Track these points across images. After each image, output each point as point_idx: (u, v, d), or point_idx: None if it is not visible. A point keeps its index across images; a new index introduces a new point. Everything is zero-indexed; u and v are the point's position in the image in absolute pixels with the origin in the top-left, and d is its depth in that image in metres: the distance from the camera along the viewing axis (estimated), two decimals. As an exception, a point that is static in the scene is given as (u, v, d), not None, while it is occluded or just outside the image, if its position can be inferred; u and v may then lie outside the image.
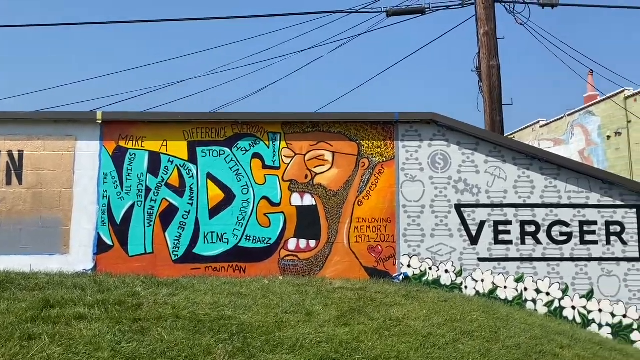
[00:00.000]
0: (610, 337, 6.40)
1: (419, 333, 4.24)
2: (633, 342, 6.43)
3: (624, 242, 6.64)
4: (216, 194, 6.64)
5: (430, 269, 6.58)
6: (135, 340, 3.43)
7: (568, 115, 28.20)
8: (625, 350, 5.45)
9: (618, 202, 6.69)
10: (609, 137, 24.56)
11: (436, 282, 6.54)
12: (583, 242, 6.65)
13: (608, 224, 6.67)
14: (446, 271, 6.57)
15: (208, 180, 6.66)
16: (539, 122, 31.50)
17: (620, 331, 6.47)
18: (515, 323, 5.21)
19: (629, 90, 22.92)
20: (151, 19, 36.24)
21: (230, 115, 6.99)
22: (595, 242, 6.65)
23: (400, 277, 6.56)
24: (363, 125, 6.85)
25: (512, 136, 33.38)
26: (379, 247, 6.65)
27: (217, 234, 6.58)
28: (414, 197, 6.71)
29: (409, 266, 6.60)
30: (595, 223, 6.67)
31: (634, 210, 6.68)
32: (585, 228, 6.67)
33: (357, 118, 6.86)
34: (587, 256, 6.62)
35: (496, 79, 8.13)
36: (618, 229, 6.66)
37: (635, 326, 6.49)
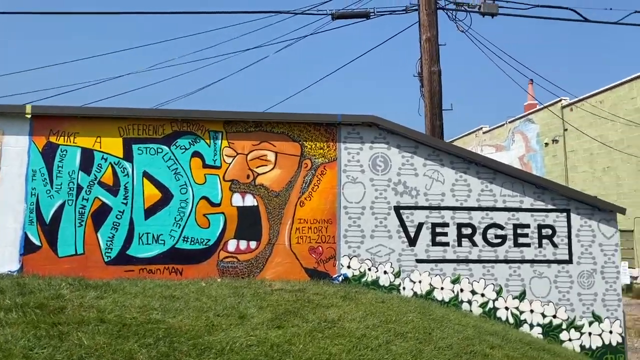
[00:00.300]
0: (541, 336, 6.62)
1: (353, 335, 4.23)
2: (562, 341, 6.69)
3: (554, 245, 6.89)
4: (153, 194, 6.42)
5: (369, 269, 6.61)
6: (51, 346, 3.23)
7: (509, 122, 29.27)
8: (554, 349, 5.64)
9: (550, 206, 6.94)
10: (547, 144, 25.64)
11: (375, 283, 6.57)
12: (516, 244, 6.86)
13: (540, 227, 6.91)
14: (385, 272, 6.61)
15: (144, 179, 6.43)
16: (482, 128, 32.55)
17: (550, 331, 6.71)
18: (450, 324, 5.29)
19: (565, 99, 24.02)
20: (89, 11, 34.89)
21: (170, 112, 6.79)
22: (528, 245, 6.87)
23: (340, 278, 6.55)
24: (306, 126, 6.81)
25: (456, 142, 34.33)
26: (320, 248, 6.62)
27: (153, 234, 6.36)
28: (355, 198, 6.73)
29: (349, 267, 6.60)
30: (528, 226, 6.89)
31: (564, 214, 6.95)
32: (519, 231, 6.88)
33: (300, 119, 6.81)
34: (520, 258, 6.83)
35: (437, 84, 8.29)
36: (549, 232, 6.91)
37: (564, 326, 6.74)
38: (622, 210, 7.14)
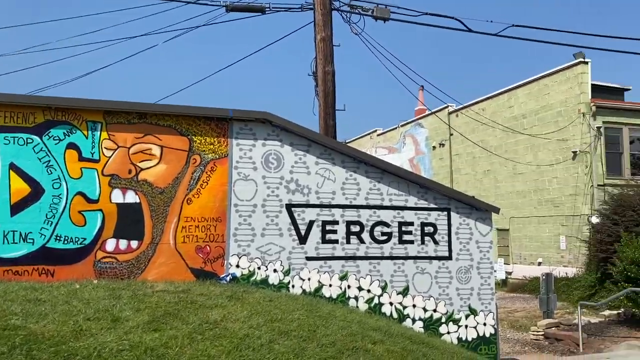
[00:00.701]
0: (422, 330, 6.91)
1: (235, 335, 4.11)
2: (441, 334, 7.03)
3: (436, 242, 7.23)
4: (20, 188, 5.83)
5: (259, 268, 6.51)
6: None
7: (401, 126, 30.63)
8: (432, 342, 5.90)
9: (432, 205, 7.28)
10: (434, 147, 27.15)
11: (264, 281, 6.49)
12: (401, 241, 7.10)
13: (423, 225, 7.22)
14: (275, 270, 6.55)
15: (11, 172, 5.82)
16: (376, 131, 33.75)
17: (431, 325, 7.03)
18: (335, 321, 5.34)
19: (452, 106, 25.55)
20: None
21: (42, 100, 6.21)
22: (411, 242, 7.14)
23: (228, 278, 6.38)
24: (196, 120, 6.56)
25: (352, 143, 35.26)
26: (208, 247, 6.41)
27: (21, 233, 5.78)
28: (246, 196, 6.59)
29: (237, 266, 6.45)
30: (412, 224, 7.17)
31: (445, 212, 7.32)
32: (404, 228, 7.14)
33: (189, 112, 6.54)
34: (404, 255, 7.08)
35: (331, 84, 8.41)
36: (431, 229, 7.24)
37: (443, 320, 7.09)
38: (497, 210, 7.66)
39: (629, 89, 21.62)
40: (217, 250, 6.43)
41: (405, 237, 7.13)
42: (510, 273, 21.04)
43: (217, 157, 6.56)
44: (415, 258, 7.12)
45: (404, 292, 7.00)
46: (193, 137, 6.51)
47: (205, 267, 6.36)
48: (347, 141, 35.76)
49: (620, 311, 11.45)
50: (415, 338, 5.76)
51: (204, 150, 6.53)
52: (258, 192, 6.64)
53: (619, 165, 18.69)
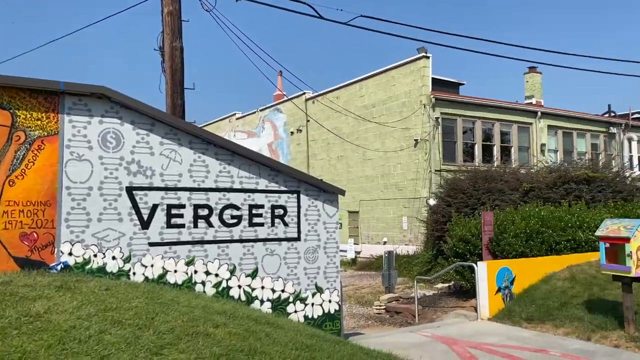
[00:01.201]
0: (270, 311, 6.99)
1: (60, 327, 3.74)
2: (289, 313, 7.18)
3: (286, 224, 7.33)
4: None
5: (95, 256, 6.04)
6: None
7: (260, 110, 30.64)
8: (278, 322, 5.97)
9: (282, 188, 7.35)
10: (292, 133, 27.61)
11: (102, 270, 6.04)
12: (251, 224, 7.08)
13: (273, 207, 7.27)
14: (113, 258, 6.13)
15: None
16: (235, 114, 33.35)
17: (279, 305, 7.14)
18: (178, 307, 5.14)
19: (309, 93, 26.13)
20: None
21: None
22: (261, 225, 7.16)
23: (59, 267, 5.83)
24: (20, 92, 5.84)
25: (210, 126, 34.47)
26: (35, 234, 5.78)
27: None
28: (80, 178, 6.05)
29: (70, 254, 5.92)
30: (262, 207, 7.18)
31: (295, 195, 7.44)
32: (254, 211, 7.12)
33: (11, 83, 5.79)
34: (254, 237, 7.07)
35: (179, 61, 8.04)
36: (282, 212, 7.32)
37: (291, 299, 7.24)
38: (342, 192, 7.98)
39: (463, 84, 23.95)
40: (46, 237, 5.83)
41: (256, 220, 7.13)
42: (359, 252, 22.27)
43: (46, 134, 5.92)
44: (265, 240, 7.16)
45: (253, 275, 7.01)
46: (16, 111, 5.80)
47: (32, 256, 5.74)
48: (204, 125, 34.85)
49: (451, 284, 12.72)
50: (261, 319, 5.78)
51: (30, 127, 5.85)
52: (94, 173, 6.13)
53: (453, 152, 20.65)
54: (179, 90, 8.02)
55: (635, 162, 25.90)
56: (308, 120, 25.93)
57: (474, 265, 9.76)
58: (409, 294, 12.17)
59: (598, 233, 7.83)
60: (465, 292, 11.35)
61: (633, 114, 27.82)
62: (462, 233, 11.02)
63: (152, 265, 6.35)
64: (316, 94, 25.14)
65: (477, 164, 19.91)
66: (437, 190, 17.51)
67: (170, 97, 8.03)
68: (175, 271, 6.49)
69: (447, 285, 12.90)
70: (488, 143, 21.67)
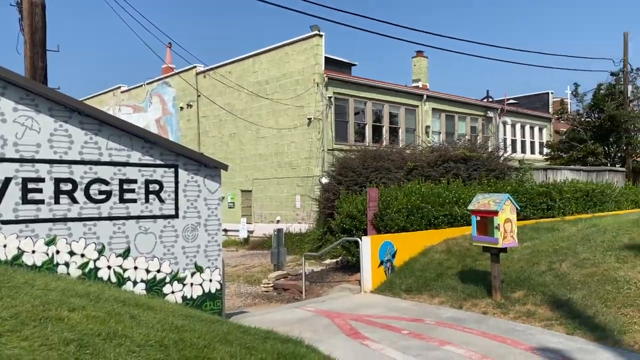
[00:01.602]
0: (145, 292, 6.57)
1: None
2: (165, 294, 6.80)
3: (161, 200, 6.90)
4: None
5: None
6: None
7: (147, 83, 29.04)
8: (150, 303, 5.60)
9: (158, 162, 6.89)
10: (182, 108, 26.49)
11: (-61, 252, 5.27)
12: (122, 200, 6.57)
13: (148, 182, 6.79)
14: (-46, 238, 5.37)
15: None
16: (120, 87, 31.35)
17: (154, 286, 6.74)
18: (31, 290, 4.61)
19: (200, 67, 25.16)
20: None
21: None
22: (134, 201, 6.67)
23: None
24: None
25: (92, 100, 32.14)
26: None
27: None
28: None
29: None
30: (135, 181, 6.68)
31: (172, 169, 7.01)
32: (126, 186, 6.61)
33: None
34: (125, 215, 6.58)
35: (40, 19, 7.16)
36: (157, 187, 6.87)
37: (167, 279, 6.86)
38: (225, 167, 7.68)
39: (355, 65, 24.34)
40: None
41: (128, 196, 6.62)
42: (252, 232, 22.06)
43: None
44: (138, 218, 6.68)
45: (125, 254, 6.53)
46: None
47: None
48: (86, 98, 32.40)
49: (339, 259, 12.94)
50: (130, 301, 5.37)
51: None
52: None
53: (345, 132, 20.99)
54: (39, 52, 7.17)
55: (509, 143, 28.09)
56: (199, 96, 25.01)
57: (359, 240, 9.95)
58: (298, 271, 12.20)
59: (470, 207, 8.26)
60: (352, 266, 11.59)
61: (508, 99, 30.09)
62: (349, 209, 11.19)
63: (4, 246, 5.66)
64: (207, 68, 24.27)
65: (367, 143, 20.42)
66: (329, 169, 17.70)
67: (29, 59, 7.16)
68: (34, 252, 5.84)
69: (335, 260, 13.11)
70: (378, 124, 22.29)
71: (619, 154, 23.91)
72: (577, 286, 7.67)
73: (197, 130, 25.59)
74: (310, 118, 19.84)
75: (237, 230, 21.98)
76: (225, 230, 23.39)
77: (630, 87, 23.21)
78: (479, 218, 8.10)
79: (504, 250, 8.04)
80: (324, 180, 18.14)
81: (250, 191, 22.74)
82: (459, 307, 8.15)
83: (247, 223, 22.15)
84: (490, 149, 16.51)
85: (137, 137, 6.73)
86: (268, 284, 11.64)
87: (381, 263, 9.95)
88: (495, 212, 7.76)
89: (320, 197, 17.70)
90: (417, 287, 9.26)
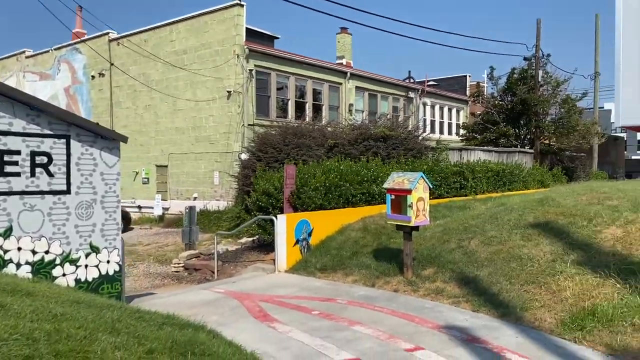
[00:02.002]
0: (30, 275, 5.94)
1: None
2: (55, 277, 6.19)
3: (50, 174, 6.22)
4: None
5: None
6: None
7: (55, 49, 26.87)
8: (32, 289, 5.01)
9: (47, 131, 6.19)
10: (93, 77, 24.76)
11: None
12: (3, 174, 5.85)
13: (34, 154, 6.09)
14: None
15: None
16: (25, 52, 28.81)
17: (42, 268, 6.11)
18: None
19: (113, 33, 23.57)
20: None
21: None
22: (18, 175, 5.96)
23: None
24: None
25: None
26: None
27: None
28: None
29: None
30: (18, 153, 5.97)
31: (64, 140, 6.34)
32: (7, 158, 5.88)
33: None
34: (7, 190, 5.87)
35: None
36: (45, 160, 6.18)
37: (58, 261, 6.25)
38: (124, 139, 7.06)
39: (278, 37, 23.79)
40: None
41: (9, 169, 5.90)
42: (167, 209, 21.18)
43: None
44: (22, 193, 5.99)
45: (6, 234, 5.84)
46: None
47: None
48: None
49: (255, 238, 12.61)
50: (6, 286, 4.77)
51: None
52: None
53: (267, 107, 20.48)
54: None
55: (428, 124, 28.78)
56: (112, 64, 23.46)
57: (274, 218, 9.66)
58: (211, 250, 11.75)
59: (385, 185, 8.19)
60: (268, 245, 11.31)
61: (428, 81, 30.73)
62: (266, 187, 10.86)
63: None
64: (121, 35, 22.77)
65: (290, 120, 20.04)
66: (248, 145, 17.21)
67: None
68: None
69: (252, 239, 12.78)
70: (301, 100, 21.96)
71: (528, 136, 25.11)
72: (484, 263, 7.84)
73: (110, 101, 24.06)
74: (230, 91, 19.15)
75: (152, 207, 21.03)
76: (139, 207, 22.34)
77: (540, 72, 24.31)
78: (393, 196, 8.05)
79: (416, 228, 8.06)
80: (244, 156, 17.62)
81: (166, 166, 21.77)
82: (372, 286, 8.12)
83: (162, 200, 21.23)
84: (410, 129, 16.69)
85: (21, 103, 5.99)
86: (179, 264, 11.13)
87: (297, 242, 9.74)
88: (409, 191, 7.72)
89: (239, 174, 17.19)
90: (332, 266, 9.15)
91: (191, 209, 12.02)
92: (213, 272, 10.32)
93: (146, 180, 22.60)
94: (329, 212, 10.54)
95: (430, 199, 12.82)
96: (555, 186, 17.96)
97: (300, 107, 21.76)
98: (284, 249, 9.52)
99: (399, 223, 8.01)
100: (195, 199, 20.56)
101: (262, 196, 10.84)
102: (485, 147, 21.38)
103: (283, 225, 9.52)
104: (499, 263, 7.72)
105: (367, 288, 8.06)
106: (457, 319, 6.38)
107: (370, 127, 15.02)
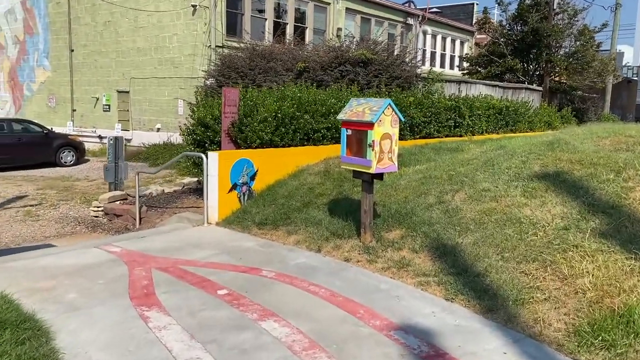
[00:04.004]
0: None
1: None
2: None
3: None
4: None
5: None
6: None
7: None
8: None
9: None
10: (47, -13, 21.85)
11: None
12: None
13: None
14: None
15: None
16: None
17: None
18: None
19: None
20: None
21: None
22: None
23: None
24: None
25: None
26: None
27: None
28: None
29: None
30: None
31: None
32: None
33: None
34: None
35: None
36: None
37: None
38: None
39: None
40: None
41: None
42: (129, 140, 18.95)
43: None
44: None
45: None
46: None
47: None
48: None
49: (200, 178, 10.50)
50: None
51: None
52: None
53: (240, 27, 17.81)
54: None
55: (428, 56, 26.02)
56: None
57: (203, 156, 7.48)
58: (143, 191, 9.66)
59: (340, 116, 5.94)
60: (211, 188, 9.17)
61: (431, 8, 27.62)
62: (203, 115, 8.60)
63: None
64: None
65: (266, 43, 17.43)
66: (209, 69, 14.77)
67: None
68: None
69: (197, 179, 10.65)
70: (281, 21, 19.22)
71: (537, 72, 22.48)
72: (470, 227, 5.74)
73: (68, 17, 21.27)
74: (195, 5, 16.44)
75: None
76: (100, 137, 20.12)
77: (557, -1, 21.40)
78: (349, 132, 5.84)
79: (380, 176, 5.89)
80: (210, 82, 15.22)
81: (128, 92, 19.35)
82: (317, 250, 6.06)
83: (123, 130, 18.97)
84: (397, 53, 14.16)
85: None
86: (99, 207, 9.07)
87: (234, 187, 7.61)
88: (370, 125, 5.49)
89: (198, 102, 14.86)
90: (275, 220, 7.06)
91: (116, 140, 9.80)
92: (135, 220, 8.27)
93: (107, 107, 20.23)
94: (281, 150, 8.35)
95: (416, 138, 10.42)
96: (564, 128, 15.67)
97: (279, 29, 19.05)
98: (216, 196, 7.40)
99: (355, 168, 5.83)
100: (158, 130, 18.32)
101: (199, 127, 8.61)
102: (489, 82, 18.85)
103: (215, 165, 7.35)
104: (490, 227, 5.61)
105: (310, 253, 6.00)
106: (421, 312, 4.35)
107: (349, 49, 12.52)
